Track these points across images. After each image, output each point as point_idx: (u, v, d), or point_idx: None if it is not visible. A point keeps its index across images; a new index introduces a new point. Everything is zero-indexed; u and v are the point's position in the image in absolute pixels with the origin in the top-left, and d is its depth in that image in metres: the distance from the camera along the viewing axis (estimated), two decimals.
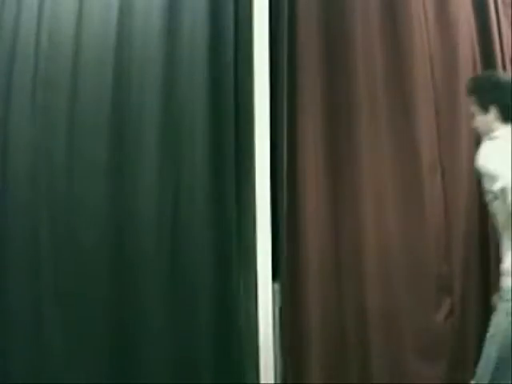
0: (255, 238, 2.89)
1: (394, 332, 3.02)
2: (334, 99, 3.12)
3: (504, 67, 3.24)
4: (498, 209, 2.49)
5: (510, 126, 2.57)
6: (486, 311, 3.08)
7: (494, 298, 2.58)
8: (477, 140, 3.20)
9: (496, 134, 2.57)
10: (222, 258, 2.90)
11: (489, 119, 2.60)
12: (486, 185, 2.50)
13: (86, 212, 2.76)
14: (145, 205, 2.84)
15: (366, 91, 3.12)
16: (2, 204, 2.72)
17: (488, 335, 2.46)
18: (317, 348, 2.95)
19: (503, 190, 2.37)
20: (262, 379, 2.87)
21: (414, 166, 3.12)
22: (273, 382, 2.89)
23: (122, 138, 2.85)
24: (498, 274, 3.08)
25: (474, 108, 2.66)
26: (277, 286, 3.01)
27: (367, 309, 3.02)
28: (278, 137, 3.02)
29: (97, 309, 2.72)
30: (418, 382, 2.98)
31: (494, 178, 2.40)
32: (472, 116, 2.76)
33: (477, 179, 3.13)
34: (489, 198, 2.52)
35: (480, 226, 3.14)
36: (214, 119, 2.94)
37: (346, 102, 3.12)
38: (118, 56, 2.87)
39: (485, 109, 2.61)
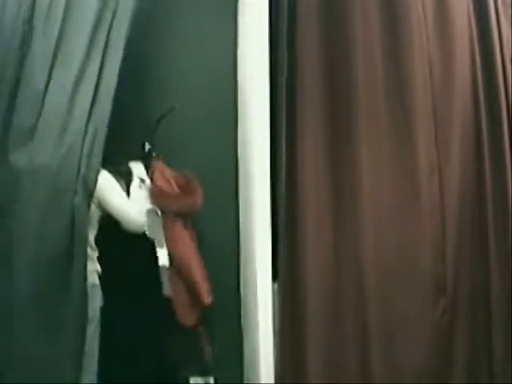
0: None
1: (391, 331, 3.02)
2: (333, 100, 3.12)
3: (504, 67, 3.24)
4: None
5: None
6: (482, 312, 3.11)
7: None
8: (474, 141, 3.22)
9: None
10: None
11: None
12: None
13: None
14: None
15: (366, 92, 3.11)
16: None
17: None
18: (316, 348, 2.95)
19: None
20: (262, 379, 2.88)
21: (411, 168, 3.12)
22: (273, 381, 2.89)
23: None
24: (497, 273, 3.11)
25: None
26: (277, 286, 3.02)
27: (365, 307, 3.02)
28: (277, 138, 3.03)
29: None
30: (416, 381, 2.98)
31: None
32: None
33: (474, 182, 3.15)
34: None
35: (477, 227, 3.14)
36: None
37: (345, 103, 3.11)
38: None
39: None
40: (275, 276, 2.99)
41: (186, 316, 2.86)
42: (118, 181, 2.79)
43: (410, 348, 3.00)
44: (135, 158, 2.94)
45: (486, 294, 3.12)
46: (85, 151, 2.44)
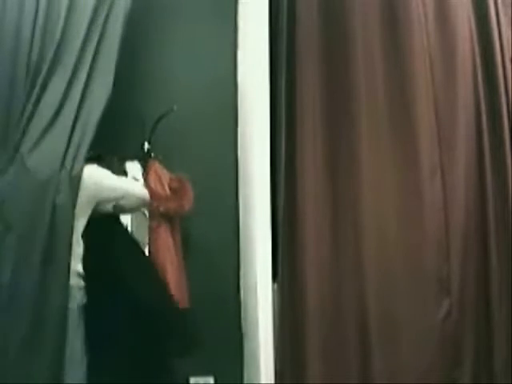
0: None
1: (393, 332, 3.02)
2: (333, 100, 3.11)
3: (504, 67, 3.24)
4: None
5: None
6: (485, 312, 3.11)
7: None
8: (476, 140, 3.22)
9: None
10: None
11: None
12: None
13: None
14: None
15: (366, 93, 3.11)
16: None
17: None
18: (316, 349, 2.95)
19: None
20: (262, 379, 2.88)
21: (413, 170, 3.11)
22: (273, 381, 2.90)
23: None
24: (497, 275, 3.11)
25: None
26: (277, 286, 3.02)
27: (366, 308, 3.02)
28: (277, 139, 3.03)
29: None
30: (416, 381, 2.98)
31: None
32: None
33: (476, 183, 3.15)
34: None
35: (479, 228, 3.14)
36: None
37: (345, 104, 3.11)
38: None
39: None
40: (275, 276, 2.99)
41: None
42: None
43: (411, 348, 2.99)
44: (133, 158, 2.96)
45: (487, 292, 3.12)
46: (72, 146, 2.41)
